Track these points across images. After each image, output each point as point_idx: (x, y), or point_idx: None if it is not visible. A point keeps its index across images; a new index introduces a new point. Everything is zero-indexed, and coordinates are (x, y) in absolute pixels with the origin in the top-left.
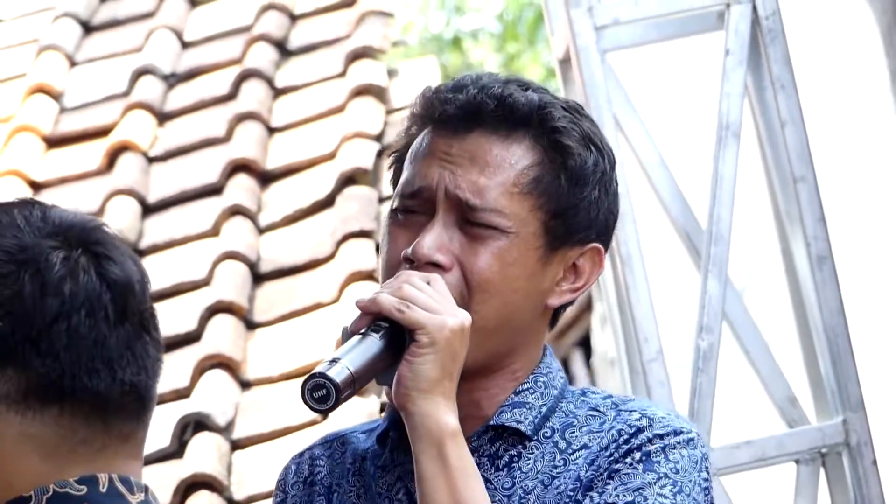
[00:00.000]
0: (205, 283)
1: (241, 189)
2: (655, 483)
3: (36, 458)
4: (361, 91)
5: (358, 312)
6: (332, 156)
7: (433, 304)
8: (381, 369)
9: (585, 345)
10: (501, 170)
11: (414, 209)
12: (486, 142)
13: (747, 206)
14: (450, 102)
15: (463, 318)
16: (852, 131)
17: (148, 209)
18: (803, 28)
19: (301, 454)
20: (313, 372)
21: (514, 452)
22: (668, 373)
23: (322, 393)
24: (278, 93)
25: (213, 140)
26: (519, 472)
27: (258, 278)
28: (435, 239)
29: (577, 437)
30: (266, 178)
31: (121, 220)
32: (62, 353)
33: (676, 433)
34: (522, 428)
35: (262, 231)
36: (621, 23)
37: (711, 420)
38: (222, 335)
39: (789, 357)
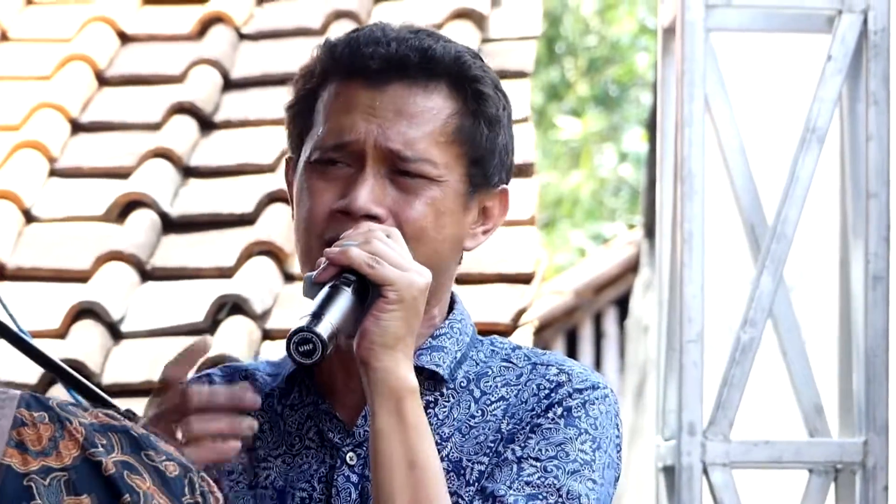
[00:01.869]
0: (270, 169)
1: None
2: (577, 438)
3: None
4: (460, 14)
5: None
6: None
7: (401, 260)
8: (352, 322)
9: (622, 304)
10: (426, 120)
11: (337, 160)
12: (409, 93)
13: (816, 211)
14: (371, 57)
15: (427, 276)
16: None
17: (229, 84)
18: None
19: (198, 377)
20: (300, 326)
21: (430, 398)
22: (703, 356)
23: (308, 347)
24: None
25: (308, 30)
26: (435, 418)
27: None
28: (370, 192)
29: (491, 387)
30: None
31: (199, 89)
32: None
33: (594, 388)
34: (441, 371)
35: None
36: (733, 5)
37: (736, 412)
38: (277, 224)
39: (825, 366)
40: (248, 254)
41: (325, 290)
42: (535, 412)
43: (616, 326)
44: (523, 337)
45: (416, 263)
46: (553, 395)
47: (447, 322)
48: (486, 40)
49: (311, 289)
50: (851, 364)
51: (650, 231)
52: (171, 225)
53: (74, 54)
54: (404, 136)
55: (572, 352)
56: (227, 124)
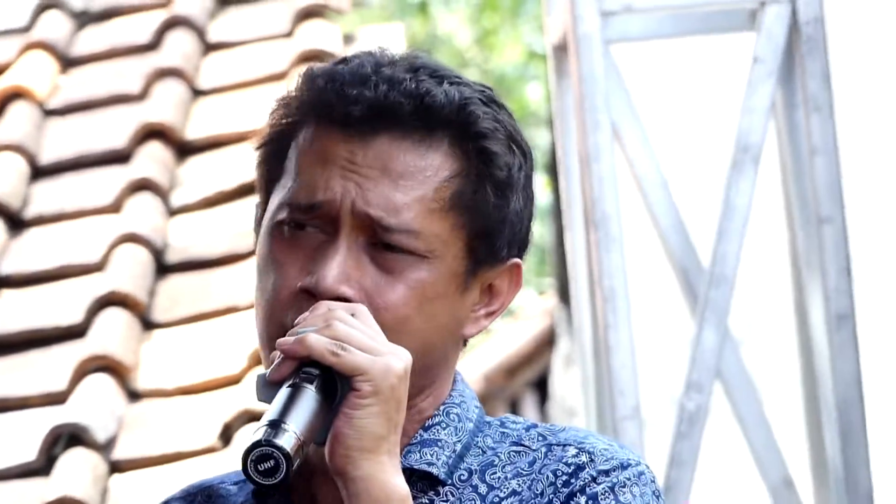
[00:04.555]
0: (97, 268)
1: (152, 159)
2: None
3: None
4: (309, 56)
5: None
6: None
7: (371, 343)
8: (319, 427)
9: (541, 386)
10: (418, 182)
11: (307, 224)
12: (398, 148)
13: (759, 246)
14: (355, 101)
15: (406, 359)
16: (894, 166)
17: (38, 172)
18: (849, 40)
19: None
20: (257, 440)
21: (424, 501)
22: (643, 434)
23: (269, 465)
24: (209, 48)
25: (125, 97)
26: None
27: (163, 269)
28: (341, 267)
29: (500, 479)
30: (184, 150)
31: (3, 181)
32: None
33: (623, 467)
34: (434, 471)
35: (172, 213)
36: (634, 10)
37: (689, 495)
38: (112, 333)
39: (789, 430)
40: (81, 372)
41: (284, 391)
42: None
43: (537, 412)
44: None
45: (391, 344)
46: (573, 481)
47: (442, 408)
48: None
49: (266, 390)
50: (821, 423)
51: (564, 295)
52: None
53: None
54: (388, 201)
55: None
56: (40, 220)
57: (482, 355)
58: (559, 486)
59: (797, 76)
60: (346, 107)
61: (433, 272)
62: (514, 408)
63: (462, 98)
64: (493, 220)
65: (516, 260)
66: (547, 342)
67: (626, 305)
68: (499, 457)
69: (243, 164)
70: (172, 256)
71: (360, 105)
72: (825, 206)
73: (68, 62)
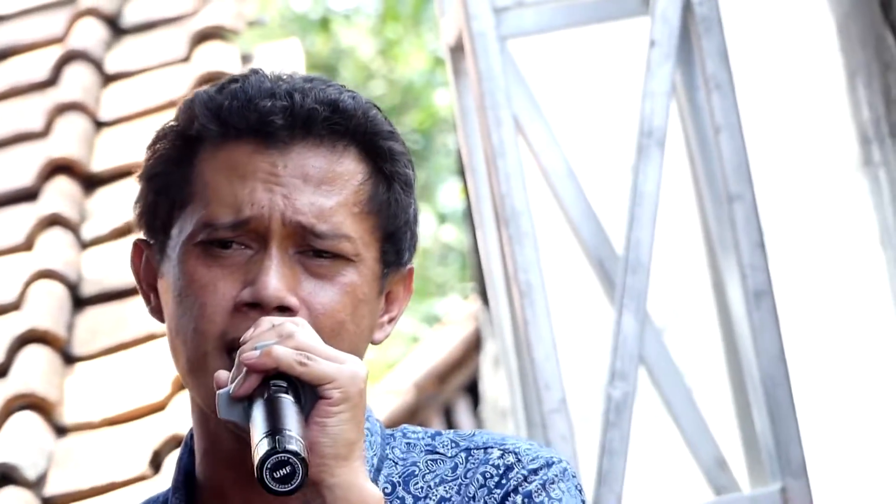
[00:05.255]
0: (14, 307)
1: (60, 194)
2: None
3: None
4: (209, 79)
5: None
6: None
7: (333, 352)
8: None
9: (473, 390)
10: (339, 187)
11: (233, 241)
12: (315, 155)
13: (672, 229)
14: (272, 112)
15: (364, 365)
16: (799, 142)
17: None
18: (743, 18)
19: None
20: (270, 448)
21: None
22: (572, 426)
23: (286, 471)
24: (108, 79)
25: (28, 134)
26: None
27: (79, 302)
28: (280, 277)
29: (424, 488)
30: (91, 183)
31: None
32: None
33: (549, 465)
34: None
35: (84, 246)
36: (526, 4)
37: (623, 484)
38: (33, 370)
39: (719, 411)
40: (6, 412)
41: (260, 404)
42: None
43: (470, 417)
44: None
45: (346, 353)
46: (505, 482)
47: None
48: None
49: (232, 407)
50: (749, 402)
51: (486, 297)
52: None
53: None
54: (316, 207)
55: None
56: None
57: (411, 364)
58: (491, 487)
59: (695, 56)
60: (262, 118)
61: (361, 275)
62: (448, 414)
63: (365, 102)
64: (400, 223)
65: (411, 265)
66: (475, 346)
67: (544, 299)
68: (417, 466)
69: None
70: (88, 289)
71: (278, 115)
72: (734, 184)
73: None
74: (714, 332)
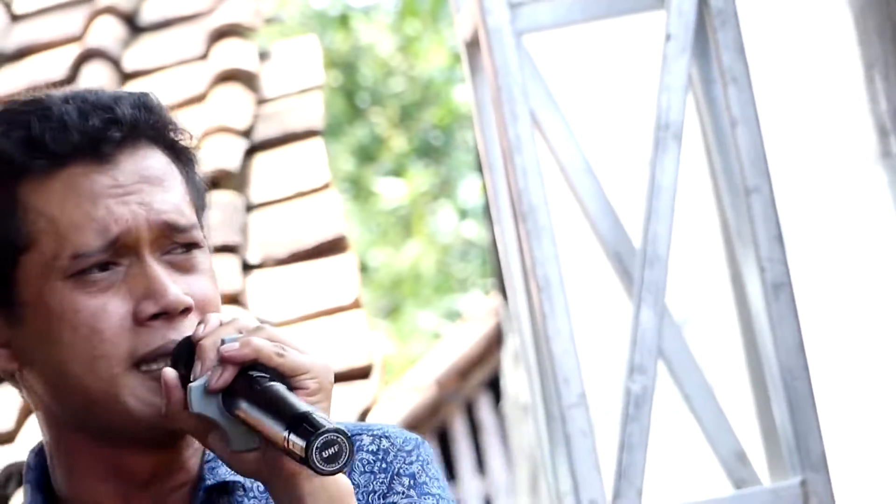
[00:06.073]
0: None
1: None
2: None
3: None
4: (227, 76)
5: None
6: None
7: (298, 343)
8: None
9: (494, 386)
10: (171, 182)
11: (108, 263)
12: (142, 158)
13: (689, 223)
14: (97, 129)
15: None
16: (816, 134)
17: None
18: (759, 11)
19: None
20: (317, 429)
21: None
22: (591, 421)
23: (332, 451)
24: (126, 77)
25: None
26: None
27: None
28: (170, 279)
29: None
30: None
31: None
32: None
33: (419, 445)
34: (241, 479)
35: None
36: None
37: (643, 478)
38: None
39: (738, 404)
40: (27, 410)
41: (256, 393)
42: (377, 492)
43: (492, 414)
44: None
45: (307, 344)
46: (386, 465)
47: None
48: (262, 101)
49: (207, 400)
50: (768, 395)
51: (506, 292)
52: None
53: None
54: (170, 204)
55: (447, 453)
56: None
57: (432, 360)
58: (376, 472)
59: (711, 49)
60: (90, 137)
61: (208, 258)
62: (470, 410)
63: (159, 102)
64: (203, 200)
65: None
66: (496, 342)
67: (562, 293)
68: None
69: None
70: None
71: (106, 130)
72: (751, 177)
73: None
74: (733, 325)
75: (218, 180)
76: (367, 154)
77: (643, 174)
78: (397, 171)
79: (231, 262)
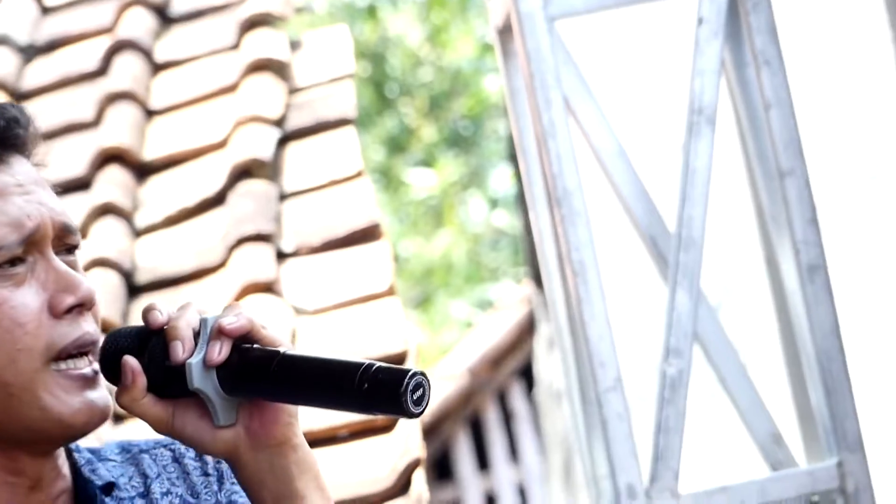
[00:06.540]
0: None
1: (112, 184)
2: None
3: None
4: (258, 66)
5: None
6: (222, 144)
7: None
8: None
9: (527, 374)
10: (47, 185)
11: (21, 258)
12: (26, 161)
13: (724, 206)
14: (7, 126)
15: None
16: (850, 116)
17: None
18: None
19: None
20: (412, 371)
21: None
22: (627, 404)
23: (420, 394)
24: (158, 68)
25: (80, 124)
26: None
27: (134, 290)
28: (79, 274)
29: (164, 483)
30: (143, 171)
31: None
32: None
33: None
34: (115, 479)
35: (138, 234)
36: None
37: (679, 461)
38: None
39: (774, 386)
40: None
41: (302, 354)
42: (211, 489)
43: (525, 401)
44: (413, 431)
45: None
46: (198, 469)
47: None
48: (293, 90)
49: (206, 376)
50: (804, 377)
51: (540, 280)
52: None
53: None
54: (61, 206)
55: (480, 441)
56: None
57: (465, 349)
58: (198, 475)
59: (744, 33)
60: (13, 130)
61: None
62: (502, 399)
63: (29, 117)
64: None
65: None
66: (528, 329)
67: (597, 278)
68: (125, 469)
69: (202, 179)
70: (142, 277)
71: (13, 129)
72: (785, 160)
73: (19, 97)
74: (768, 307)
75: (251, 170)
76: (397, 144)
77: (677, 158)
78: (427, 162)
79: (265, 250)
